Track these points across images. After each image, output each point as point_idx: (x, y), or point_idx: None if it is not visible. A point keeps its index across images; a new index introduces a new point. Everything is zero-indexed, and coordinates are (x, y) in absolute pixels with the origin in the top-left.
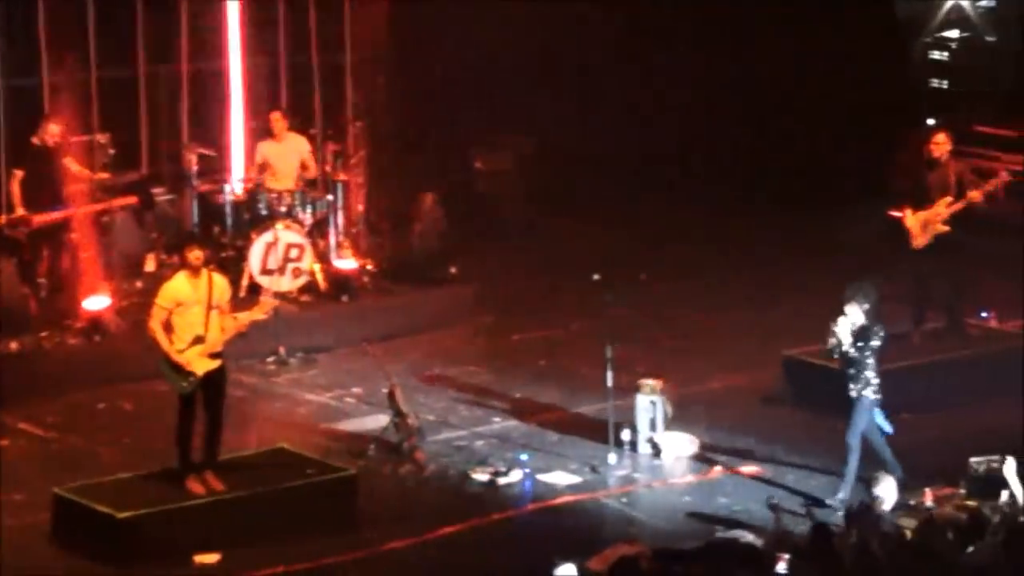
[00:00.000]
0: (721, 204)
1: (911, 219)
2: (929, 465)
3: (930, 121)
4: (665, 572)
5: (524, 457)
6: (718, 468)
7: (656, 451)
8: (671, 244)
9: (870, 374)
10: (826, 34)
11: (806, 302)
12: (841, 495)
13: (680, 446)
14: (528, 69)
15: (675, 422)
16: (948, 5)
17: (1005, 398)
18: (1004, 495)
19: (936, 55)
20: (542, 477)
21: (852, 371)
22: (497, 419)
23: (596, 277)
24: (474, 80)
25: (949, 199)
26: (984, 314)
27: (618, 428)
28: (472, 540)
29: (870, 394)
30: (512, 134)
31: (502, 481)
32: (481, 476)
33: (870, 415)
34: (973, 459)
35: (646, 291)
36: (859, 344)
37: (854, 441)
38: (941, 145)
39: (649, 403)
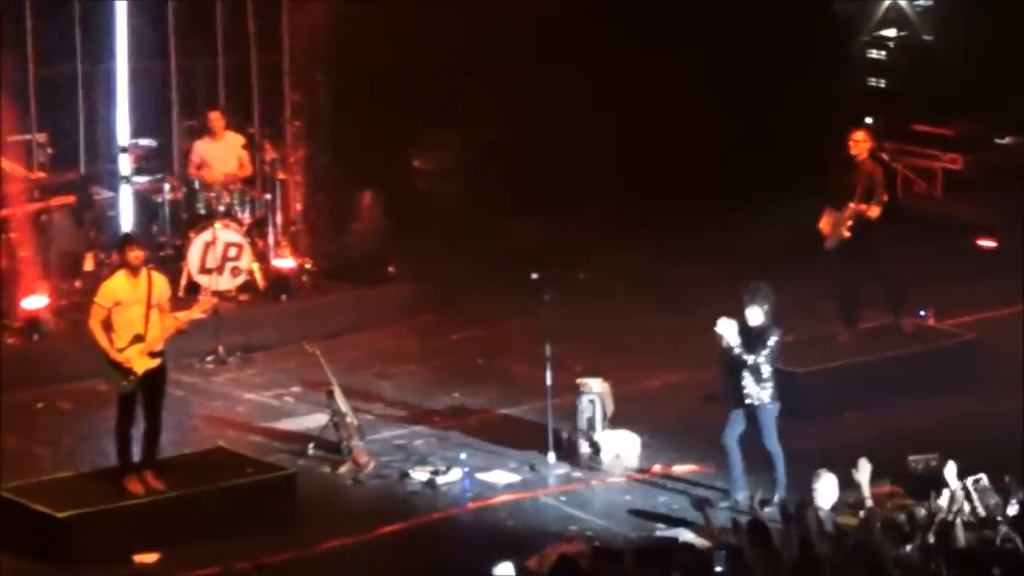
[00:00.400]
0: (660, 203)
1: (824, 220)
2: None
3: (868, 120)
4: (605, 571)
5: (463, 456)
6: (658, 467)
7: (596, 450)
8: (610, 243)
9: (768, 378)
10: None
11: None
12: (776, 496)
13: (620, 445)
14: (467, 67)
15: (615, 421)
16: (886, 4)
17: (943, 397)
18: (945, 495)
19: (874, 54)
20: (481, 476)
21: (749, 375)
22: (436, 418)
23: (534, 276)
24: (413, 78)
25: (853, 206)
26: (922, 313)
27: (558, 427)
28: (411, 539)
29: (767, 398)
30: (450, 133)
31: (441, 480)
32: (420, 475)
33: (743, 418)
34: (912, 457)
35: (586, 290)
36: (756, 347)
37: (774, 447)
38: (859, 143)
39: (588, 402)
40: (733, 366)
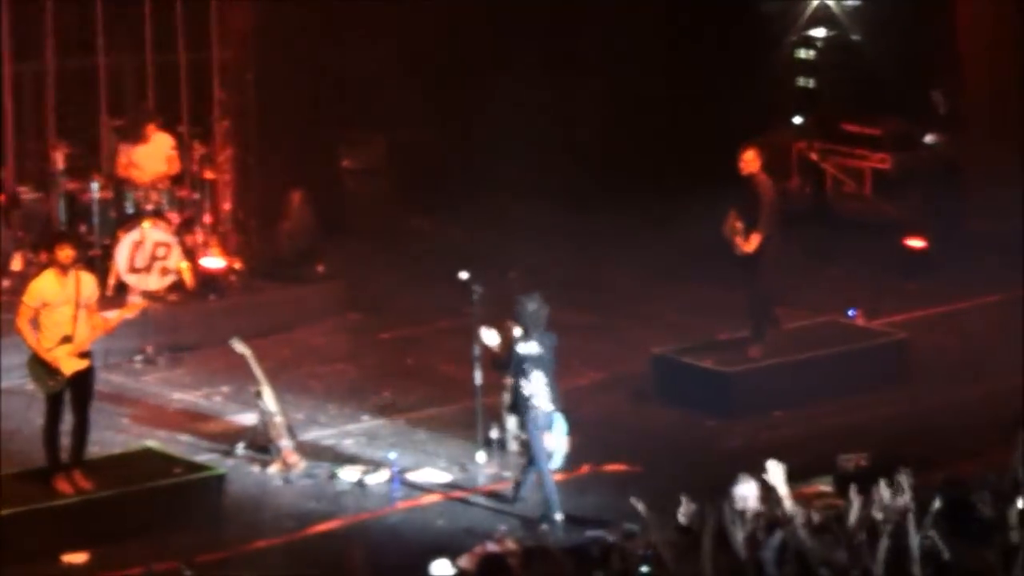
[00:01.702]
0: (584, 200)
1: (728, 227)
2: (796, 462)
3: (796, 120)
4: (534, 571)
5: (393, 456)
6: (586, 466)
7: (525, 449)
8: (535, 242)
9: (541, 387)
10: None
11: (672, 299)
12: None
13: (550, 444)
14: (395, 66)
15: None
16: (814, 3)
17: (872, 396)
18: (884, 494)
19: (803, 54)
20: (411, 476)
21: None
22: (365, 417)
23: (463, 275)
24: (342, 77)
25: (738, 223)
26: (851, 312)
27: (486, 426)
28: (341, 539)
29: (545, 405)
30: (378, 131)
31: (370, 480)
32: (350, 475)
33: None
34: (842, 456)
35: (515, 289)
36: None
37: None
38: (749, 163)
39: None
40: (524, 373)
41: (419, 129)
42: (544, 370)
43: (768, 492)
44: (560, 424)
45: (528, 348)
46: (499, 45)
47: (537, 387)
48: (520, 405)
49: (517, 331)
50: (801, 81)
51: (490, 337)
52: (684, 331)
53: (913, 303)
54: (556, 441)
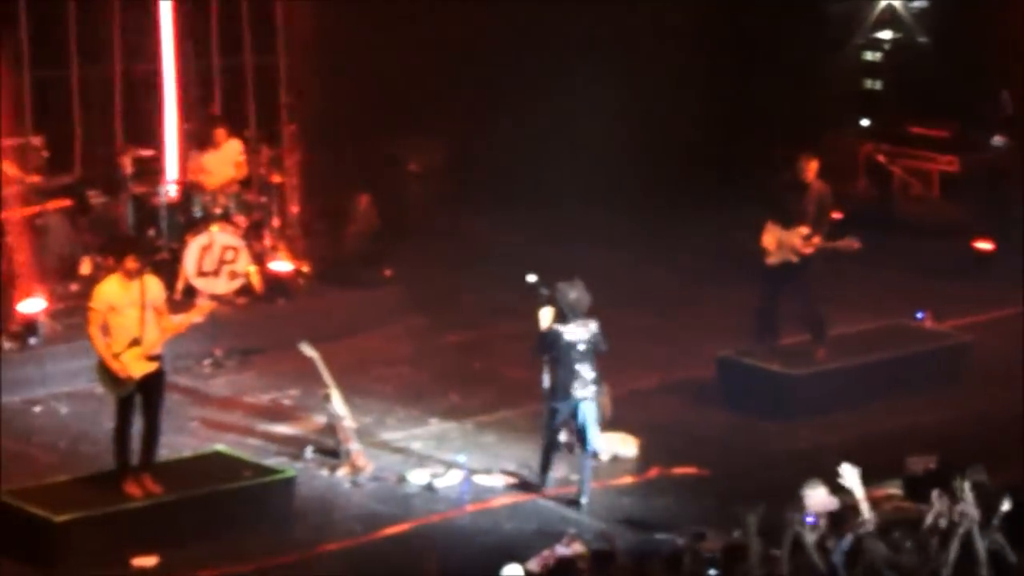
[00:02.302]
0: (643, 204)
1: (768, 236)
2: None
3: (863, 122)
4: (603, 574)
5: (461, 459)
6: (655, 469)
7: (594, 452)
8: (595, 245)
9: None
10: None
11: (733, 301)
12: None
13: (617, 447)
14: (457, 68)
15: (612, 423)
16: (881, 6)
17: (939, 398)
18: (945, 497)
19: (869, 56)
20: (479, 479)
21: (578, 366)
22: (434, 420)
23: (531, 278)
24: (406, 81)
25: (805, 230)
26: (919, 315)
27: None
28: (409, 542)
29: (591, 393)
30: (442, 135)
31: (439, 483)
32: (418, 478)
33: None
34: (910, 458)
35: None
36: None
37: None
38: (812, 171)
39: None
40: (560, 359)
41: (482, 132)
42: (581, 357)
43: (838, 494)
44: (591, 412)
45: (567, 334)
46: (561, 50)
47: (572, 373)
48: (555, 390)
49: (546, 315)
50: (867, 83)
51: (545, 318)
52: (744, 334)
53: (981, 306)
54: (590, 429)
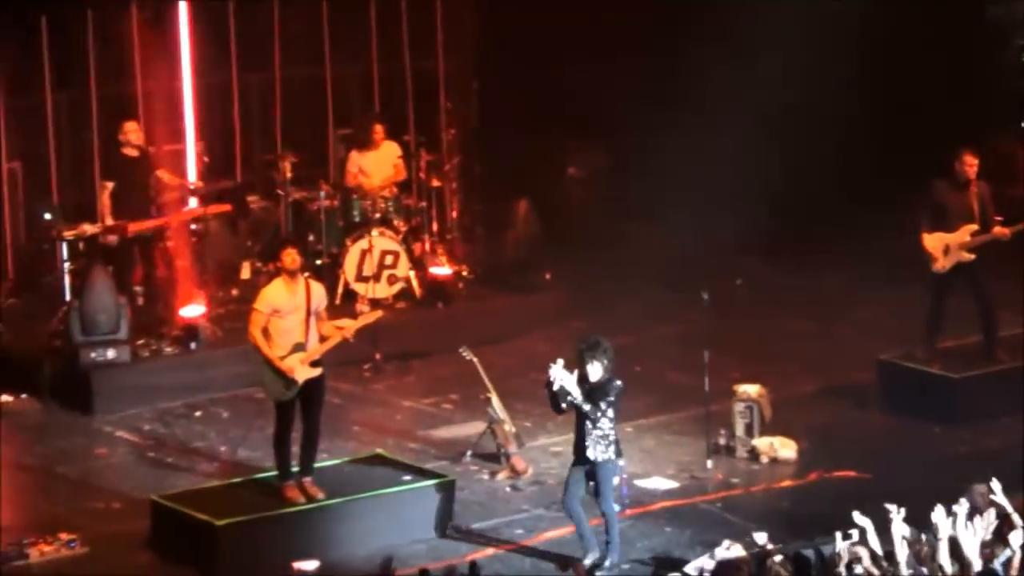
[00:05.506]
0: (798, 208)
1: (930, 240)
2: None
3: None
4: None
5: (621, 462)
6: (815, 473)
7: (753, 456)
8: (752, 250)
9: (609, 434)
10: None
11: (896, 304)
12: (609, 561)
13: (777, 451)
14: (615, 73)
15: (771, 427)
16: None
17: None
18: None
19: None
20: (640, 483)
21: (589, 431)
22: None
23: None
24: (564, 85)
25: (974, 227)
26: None
27: (715, 433)
28: (570, 546)
29: (612, 455)
30: (601, 139)
31: None
32: None
33: (583, 477)
34: None
35: (740, 296)
36: (597, 402)
37: (609, 508)
38: (973, 166)
39: (746, 408)
40: (575, 420)
41: (641, 136)
42: (612, 417)
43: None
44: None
45: (605, 392)
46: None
47: (605, 433)
48: (586, 450)
49: (568, 375)
50: None
51: (564, 376)
52: (902, 337)
53: None
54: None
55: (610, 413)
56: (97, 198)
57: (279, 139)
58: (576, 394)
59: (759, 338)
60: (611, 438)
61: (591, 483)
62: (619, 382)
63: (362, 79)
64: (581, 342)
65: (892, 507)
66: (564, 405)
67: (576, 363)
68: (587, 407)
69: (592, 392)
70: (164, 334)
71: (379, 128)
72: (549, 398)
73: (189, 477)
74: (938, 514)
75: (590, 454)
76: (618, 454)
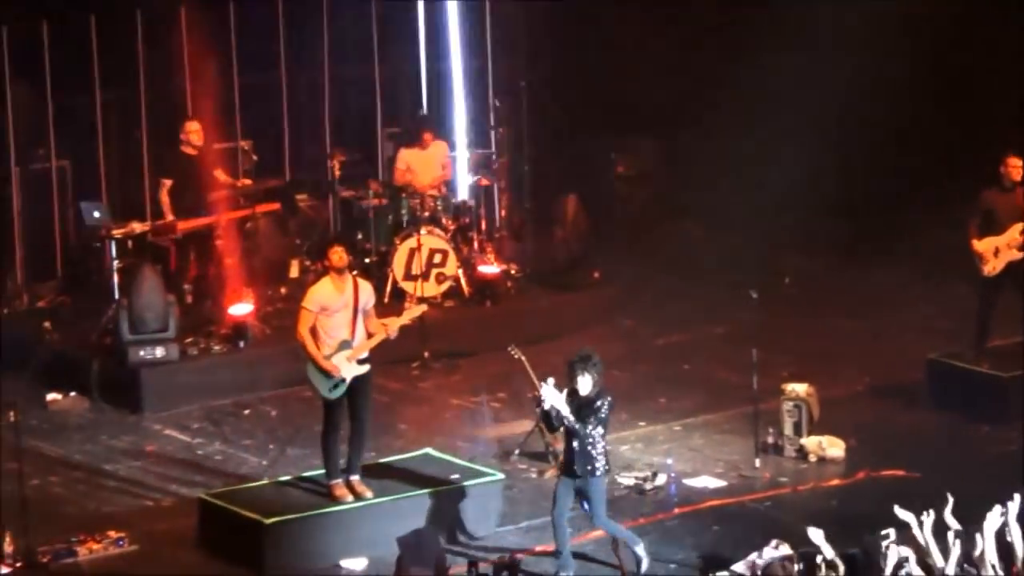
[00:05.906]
0: (849, 206)
1: (980, 245)
2: None
3: None
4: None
5: (669, 461)
6: (863, 472)
7: (802, 455)
8: (802, 248)
9: (599, 449)
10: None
11: (945, 304)
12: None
13: (826, 450)
14: (664, 70)
15: (820, 425)
16: None
17: None
18: None
19: None
20: (688, 481)
21: (578, 447)
22: (642, 423)
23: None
24: (614, 83)
25: (1022, 225)
26: None
27: (764, 432)
28: (616, 544)
29: (601, 470)
30: (649, 137)
31: (648, 485)
32: (626, 480)
33: (571, 491)
34: None
35: (787, 295)
36: (586, 418)
37: (604, 523)
38: (1019, 168)
39: (794, 406)
40: (564, 434)
41: (690, 134)
42: (602, 433)
43: None
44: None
45: (593, 408)
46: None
47: (596, 448)
48: (574, 466)
49: (559, 395)
50: None
51: (554, 396)
52: (953, 336)
53: None
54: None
55: (600, 430)
56: (154, 196)
57: (328, 137)
58: (567, 414)
59: (808, 337)
60: (601, 453)
61: (583, 502)
62: (609, 397)
63: (411, 77)
64: (577, 356)
65: (941, 506)
66: (556, 424)
67: (566, 376)
68: (578, 426)
69: (581, 407)
70: (213, 332)
71: (428, 134)
72: (541, 417)
73: (237, 475)
74: (989, 514)
75: (578, 469)
76: (607, 470)
